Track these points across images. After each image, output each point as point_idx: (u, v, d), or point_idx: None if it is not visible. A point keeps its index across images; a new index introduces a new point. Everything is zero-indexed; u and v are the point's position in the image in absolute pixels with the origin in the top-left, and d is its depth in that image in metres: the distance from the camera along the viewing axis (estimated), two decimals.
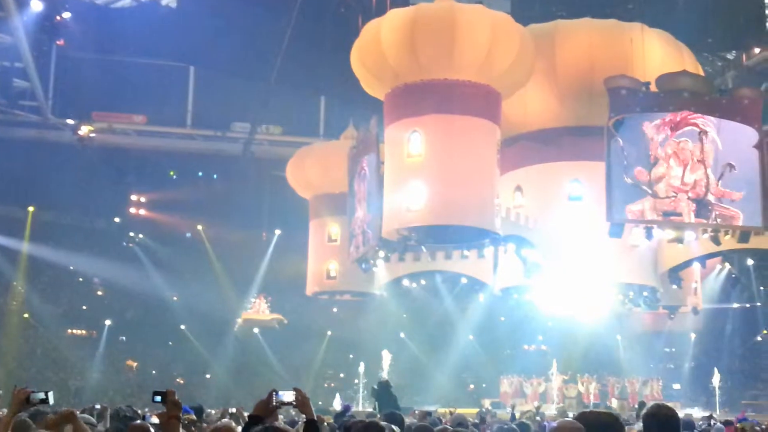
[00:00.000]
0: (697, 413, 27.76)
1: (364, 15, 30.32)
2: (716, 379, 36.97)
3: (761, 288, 37.01)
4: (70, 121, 40.13)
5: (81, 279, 47.72)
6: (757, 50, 40.57)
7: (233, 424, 7.25)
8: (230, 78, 41.30)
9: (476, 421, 15.86)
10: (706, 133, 25.58)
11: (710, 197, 25.57)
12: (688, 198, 25.47)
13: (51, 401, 5.70)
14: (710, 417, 21.10)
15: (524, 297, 31.57)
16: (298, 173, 34.71)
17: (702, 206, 25.48)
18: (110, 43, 39.83)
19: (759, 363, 41.33)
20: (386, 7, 29.84)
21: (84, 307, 47.42)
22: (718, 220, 25.54)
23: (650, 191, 25.23)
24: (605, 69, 25.79)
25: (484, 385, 47.01)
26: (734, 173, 25.48)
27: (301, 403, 5.17)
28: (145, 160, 42.66)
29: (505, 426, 9.52)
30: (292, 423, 10.31)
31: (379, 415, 11.51)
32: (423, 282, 34.08)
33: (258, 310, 45.19)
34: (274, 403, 5.15)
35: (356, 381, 40.16)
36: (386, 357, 36.04)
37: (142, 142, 43.53)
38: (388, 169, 26.33)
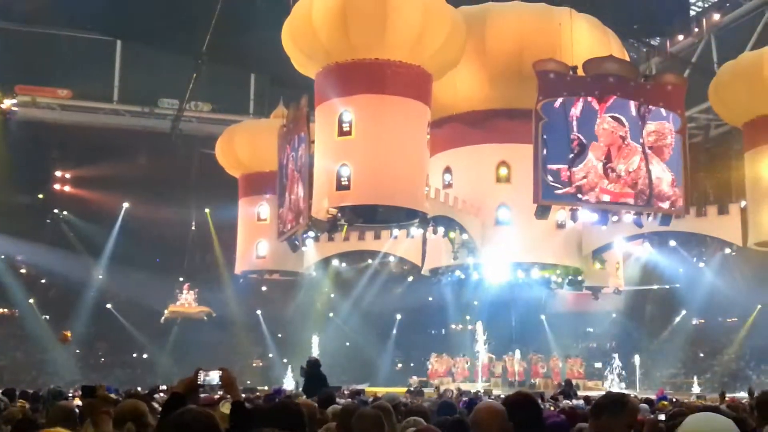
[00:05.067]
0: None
1: None
2: (636, 359, 38.15)
3: (680, 270, 38.01)
4: None
5: (2, 256, 46.48)
6: (680, 37, 41.50)
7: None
8: (158, 53, 40.42)
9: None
10: (648, 110, 25.60)
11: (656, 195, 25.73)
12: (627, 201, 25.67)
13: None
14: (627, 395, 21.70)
15: (452, 277, 31.89)
16: (227, 151, 34.32)
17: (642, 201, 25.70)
18: (35, 15, 38.60)
19: (677, 343, 42.61)
20: None
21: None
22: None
23: (573, 191, 25.18)
24: (534, 52, 26.08)
25: (412, 365, 47.44)
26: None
27: (228, 383, 5.10)
28: (70, 136, 41.52)
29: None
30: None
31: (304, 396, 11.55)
32: (352, 262, 34.23)
33: (185, 302, 44.79)
34: (199, 382, 5.10)
35: (284, 360, 40.11)
36: (315, 341, 36.03)
37: (66, 117, 42.40)
38: (318, 149, 26.22)
